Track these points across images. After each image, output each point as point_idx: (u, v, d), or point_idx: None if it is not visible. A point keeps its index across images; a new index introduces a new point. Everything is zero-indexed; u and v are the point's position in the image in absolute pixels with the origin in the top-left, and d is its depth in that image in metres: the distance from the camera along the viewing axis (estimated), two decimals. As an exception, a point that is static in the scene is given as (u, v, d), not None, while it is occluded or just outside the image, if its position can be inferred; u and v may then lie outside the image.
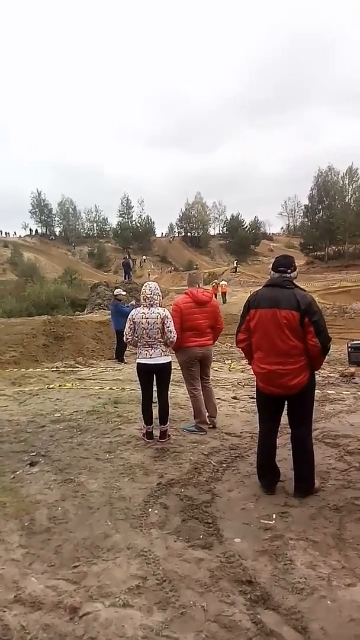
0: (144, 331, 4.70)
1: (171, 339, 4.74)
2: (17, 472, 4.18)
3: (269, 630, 2.14)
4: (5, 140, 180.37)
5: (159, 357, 4.74)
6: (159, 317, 4.69)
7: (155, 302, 4.78)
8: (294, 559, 2.71)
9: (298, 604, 2.31)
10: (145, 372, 4.84)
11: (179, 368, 5.38)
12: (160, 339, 4.72)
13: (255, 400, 3.99)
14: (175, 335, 4.77)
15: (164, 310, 4.79)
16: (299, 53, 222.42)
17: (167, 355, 4.83)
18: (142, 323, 4.71)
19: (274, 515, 3.25)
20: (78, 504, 3.55)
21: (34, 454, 4.65)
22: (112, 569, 2.67)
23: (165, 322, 4.69)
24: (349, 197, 62.44)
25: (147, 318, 4.70)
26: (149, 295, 4.80)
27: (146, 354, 4.76)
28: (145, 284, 5.02)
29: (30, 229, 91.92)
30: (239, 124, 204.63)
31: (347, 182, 63.25)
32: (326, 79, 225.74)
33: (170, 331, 4.71)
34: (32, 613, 2.31)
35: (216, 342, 5.51)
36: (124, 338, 4.99)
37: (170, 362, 4.87)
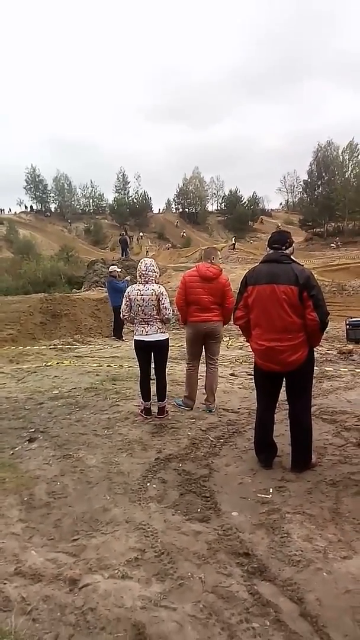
0: (140, 308, 4.68)
1: (166, 316, 4.72)
2: (16, 448, 4.20)
3: (266, 600, 2.17)
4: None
5: (154, 334, 4.73)
6: (153, 293, 4.65)
7: (151, 278, 4.74)
8: (290, 532, 2.74)
9: (294, 576, 2.35)
10: (142, 349, 4.84)
11: (177, 345, 5.36)
12: (156, 316, 4.69)
13: (252, 376, 3.99)
14: (171, 312, 4.74)
15: (159, 287, 4.74)
16: (299, 26, 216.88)
17: (164, 332, 4.81)
18: (138, 300, 4.68)
19: (271, 490, 3.29)
20: (77, 479, 3.58)
21: (33, 430, 4.67)
22: (111, 542, 2.70)
23: (160, 298, 4.66)
24: (349, 172, 61.58)
25: (142, 295, 4.67)
26: (144, 272, 4.76)
27: (142, 330, 4.75)
28: (141, 261, 4.98)
29: (26, 206, 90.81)
30: (239, 98, 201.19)
31: (347, 157, 62.29)
32: (326, 52, 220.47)
33: (166, 308, 4.68)
34: (32, 585, 2.34)
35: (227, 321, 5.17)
36: (121, 315, 4.96)
37: (166, 339, 4.85)
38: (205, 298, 4.97)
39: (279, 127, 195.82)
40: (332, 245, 49.23)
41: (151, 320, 4.71)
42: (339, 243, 49.47)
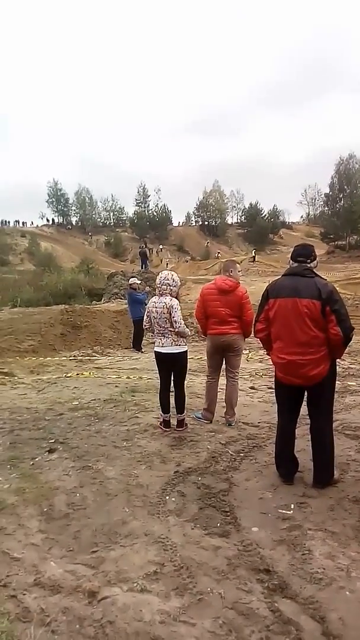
0: (155, 320, 4.73)
1: (177, 329, 4.67)
2: (36, 459, 4.23)
3: (287, 618, 2.13)
4: (21, 130, 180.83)
5: (170, 346, 4.73)
6: (165, 306, 4.67)
7: (165, 291, 4.76)
8: (312, 549, 2.69)
9: (316, 594, 2.30)
10: (160, 361, 4.86)
11: (196, 357, 5.35)
12: (170, 329, 4.69)
13: (273, 390, 3.96)
14: (181, 325, 4.67)
15: (171, 300, 4.72)
16: (323, 39, 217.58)
17: (180, 345, 4.78)
18: (153, 312, 4.74)
19: (292, 506, 3.23)
20: (96, 490, 3.58)
21: (53, 441, 4.70)
22: (129, 555, 2.69)
23: (171, 312, 4.65)
24: (371, 185, 61.18)
25: (156, 307, 4.71)
26: (158, 285, 4.82)
27: (159, 342, 4.79)
28: (159, 273, 5.03)
29: (47, 219, 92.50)
30: (259, 112, 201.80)
31: (369, 170, 61.94)
32: (348, 65, 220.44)
33: (175, 321, 4.64)
34: (52, 596, 2.34)
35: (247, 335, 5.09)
36: (143, 325, 5.01)
37: (182, 352, 4.81)
38: (223, 311, 4.96)
39: (300, 140, 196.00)
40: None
41: (166, 333, 4.73)
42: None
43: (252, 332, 3.94)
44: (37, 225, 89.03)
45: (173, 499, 3.40)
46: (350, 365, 8.53)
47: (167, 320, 4.67)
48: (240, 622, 2.13)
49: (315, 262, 3.55)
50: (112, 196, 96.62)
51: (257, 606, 2.23)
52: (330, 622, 2.11)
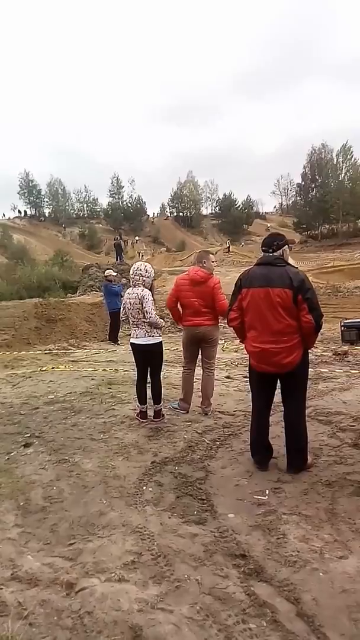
0: (129, 311, 4.74)
1: (149, 320, 4.67)
2: (12, 454, 4.19)
3: (262, 601, 2.18)
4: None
5: (143, 337, 4.74)
6: (137, 297, 4.67)
7: (138, 282, 4.75)
8: (286, 533, 2.75)
9: (291, 576, 2.36)
10: (135, 352, 4.88)
11: (172, 349, 5.36)
12: (143, 319, 4.69)
13: (248, 379, 4.00)
14: (153, 316, 4.66)
15: (142, 291, 4.71)
16: (295, 29, 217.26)
17: (154, 336, 4.78)
18: (127, 303, 4.75)
19: (267, 491, 3.29)
20: (73, 483, 3.57)
21: (28, 435, 4.66)
22: (107, 546, 2.70)
23: (143, 302, 4.65)
24: (343, 175, 61.96)
25: (130, 298, 4.72)
26: (131, 276, 4.82)
27: (134, 333, 4.82)
28: (133, 264, 5.02)
29: (19, 211, 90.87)
30: (232, 101, 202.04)
31: (341, 160, 62.70)
32: (322, 55, 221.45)
33: (147, 312, 4.64)
34: (29, 590, 2.34)
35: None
36: (121, 316, 5.01)
37: (156, 343, 4.81)
38: (196, 302, 4.97)
39: (273, 130, 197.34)
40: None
41: (140, 324, 4.73)
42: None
43: (226, 321, 3.95)
44: (9, 218, 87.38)
45: (150, 489, 3.42)
46: (322, 353, 8.68)
47: (140, 311, 4.66)
48: (217, 607, 2.17)
49: (280, 251, 3.55)
50: (86, 187, 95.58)
51: (233, 591, 2.27)
52: (304, 603, 2.17)
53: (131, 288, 4.78)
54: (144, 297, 4.65)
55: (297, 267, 3.57)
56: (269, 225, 68.89)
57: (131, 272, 4.84)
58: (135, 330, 4.78)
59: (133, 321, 4.76)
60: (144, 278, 4.76)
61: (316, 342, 3.79)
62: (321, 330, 3.51)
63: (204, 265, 5.04)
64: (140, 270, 4.79)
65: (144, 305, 4.63)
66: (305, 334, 3.41)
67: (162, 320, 4.90)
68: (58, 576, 2.42)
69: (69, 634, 2.03)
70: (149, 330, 4.73)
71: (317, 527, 2.81)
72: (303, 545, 2.62)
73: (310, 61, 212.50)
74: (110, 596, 2.24)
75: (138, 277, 4.75)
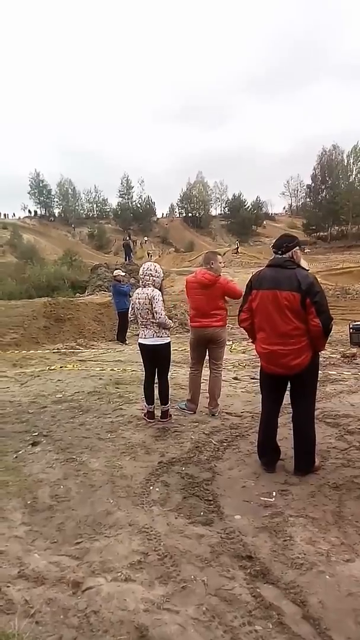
0: (138, 311, 4.74)
1: (158, 320, 4.67)
2: (20, 452, 4.22)
3: (269, 603, 2.17)
4: (0, 120, 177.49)
5: (151, 337, 4.74)
6: (146, 297, 4.67)
7: (148, 282, 4.75)
8: (293, 535, 2.74)
9: (297, 579, 2.35)
10: (143, 352, 4.88)
11: (180, 349, 5.36)
12: (152, 320, 4.69)
13: (256, 380, 4.00)
14: (162, 317, 4.67)
15: (153, 291, 4.71)
16: (310, 26, 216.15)
17: (162, 337, 4.78)
18: (136, 303, 4.75)
19: (274, 493, 3.28)
20: (80, 482, 3.59)
21: (36, 434, 4.69)
22: (114, 545, 2.71)
23: (153, 302, 4.65)
24: (354, 176, 61.63)
25: (139, 298, 4.71)
26: (141, 276, 4.82)
27: (142, 333, 4.81)
28: (142, 265, 5.02)
29: (30, 211, 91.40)
30: (243, 102, 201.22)
31: (351, 161, 62.38)
32: (333, 56, 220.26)
33: (157, 312, 4.64)
34: (36, 588, 2.35)
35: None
36: (129, 316, 5.02)
37: (165, 343, 4.81)
38: (203, 304, 4.98)
39: (283, 131, 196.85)
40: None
41: (148, 324, 4.73)
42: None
43: (238, 322, 3.94)
44: (19, 217, 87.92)
45: (157, 489, 3.42)
46: (331, 355, 8.63)
47: (149, 312, 4.66)
48: (223, 608, 2.16)
49: (289, 253, 3.51)
50: (95, 187, 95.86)
51: (239, 592, 2.26)
52: (310, 605, 2.16)
53: (140, 288, 4.79)
54: (153, 298, 4.66)
55: (308, 269, 3.54)
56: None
57: (141, 272, 4.85)
58: (143, 330, 4.79)
59: (142, 321, 4.76)
60: (154, 278, 4.77)
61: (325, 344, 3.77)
62: (330, 332, 3.49)
63: (212, 266, 5.02)
64: (151, 270, 4.80)
65: (153, 306, 4.64)
66: (313, 337, 3.39)
67: (170, 321, 4.90)
68: (64, 575, 2.43)
69: (75, 632, 2.04)
70: (157, 331, 4.73)
71: (324, 529, 2.80)
72: (310, 547, 2.61)
73: (321, 62, 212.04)
74: (116, 596, 2.24)
75: (148, 277, 4.76)
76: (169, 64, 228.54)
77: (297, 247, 3.58)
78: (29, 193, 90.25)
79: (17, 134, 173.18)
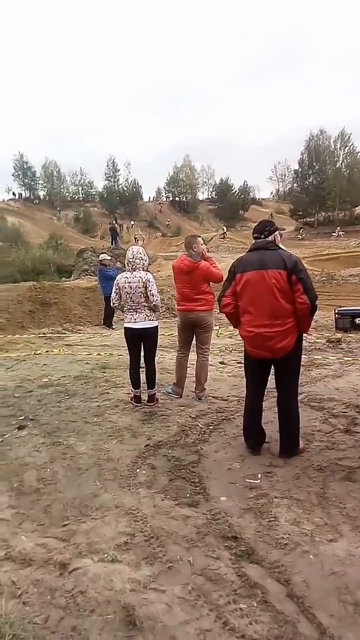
0: (128, 295, 4.69)
1: (154, 303, 4.71)
2: (5, 436, 4.20)
3: (253, 582, 2.21)
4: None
5: (142, 321, 4.73)
6: (140, 280, 4.65)
7: (138, 266, 4.73)
8: (278, 516, 2.78)
9: (281, 558, 2.39)
10: (131, 336, 4.85)
11: (167, 334, 5.36)
12: (144, 303, 4.69)
13: (242, 365, 4.02)
14: (158, 299, 4.74)
15: (147, 274, 4.72)
16: (297, 12, 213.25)
17: (152, 320, 4.80)
18: (125, 287, 4.70)
19: (260, 475, 3.32)
20: (67, 465, 3.59)
21: (22, 418, 4.67)
22: (100, 527, 2.72)
23: (148, 285, 4.65)
24: (340, 162, 61.56)
25: (130, 282, 4.68)
26: (131, 260, 4.76)
27: (131, 318, 4.77)
28: (129, 248, 4.98)
29: (14, 193, 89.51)
30: (232, 87, 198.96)
31: (338, 146, 62.24)
32: (323, 42, 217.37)
33: (153, 295, 4.67)
34: (23, 569, 2.36)
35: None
36: (111, 302, 4.98)
37: (155, 327, 4.84)
38: (186, 289, 5.00)
39: (272, 116, 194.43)
40: (333, 234, 48.23)
41: (139, 308, 4.71)
42: (340, 233, 48.19)
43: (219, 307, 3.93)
44: (3, 200, 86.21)
45: (144, 471, 3.45)
46: (316, 340, 8.73)
47: (142, 295, 4.65)
48: (209, 587, 2.20)
49: (271, 237, 3.60)
50: (81, 170, 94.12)
51: (225, 572, 2.30)
52: (294, 584, 2.20)
53: (129, 272, 4.74)
54: (148, 281, 4.66)
55: (289, 252, 3.60)
56: (272, 213, 68.46)
57: (130, 255, 4.80)
58: (132, 314, 4.76)
59: (132, 305, 4.73)
60: (144, 262, 4.77)
61: (310, 329, 3.81)
62: (315, 315, 3.52)
63: (194, 250, 4.99)
64: (140, 253, 4.79)
65: (149, 288, 4.63)
66: (300, 315, 3.42)
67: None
68: (52, 556, 2.44)
69: (62, 612, 2.06)
70: (148, 314, 4.74)
71: (308, 510, 2.85)
72: (294, 528, 2.66)
73: (311, 47, 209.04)
74: (103, 576, 2.26)
75: (138, 261, 4.74)
76: (158, 49, 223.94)
77: (277, 232, 3.67)
78: (13, 175, 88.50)
79: (1, 116, 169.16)
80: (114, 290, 4.83)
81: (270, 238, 3.59)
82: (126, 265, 4.82)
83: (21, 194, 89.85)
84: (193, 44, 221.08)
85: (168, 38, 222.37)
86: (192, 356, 5.33)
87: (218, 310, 5.08)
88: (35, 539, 2.65)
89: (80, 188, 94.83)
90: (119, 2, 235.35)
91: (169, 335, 8.96)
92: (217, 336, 9.69)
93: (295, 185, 70.79)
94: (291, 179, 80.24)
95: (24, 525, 2.81)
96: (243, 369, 4.00)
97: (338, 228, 48.41)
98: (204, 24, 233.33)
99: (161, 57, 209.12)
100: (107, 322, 12.20)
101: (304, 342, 3.74)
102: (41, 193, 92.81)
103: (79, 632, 1.95)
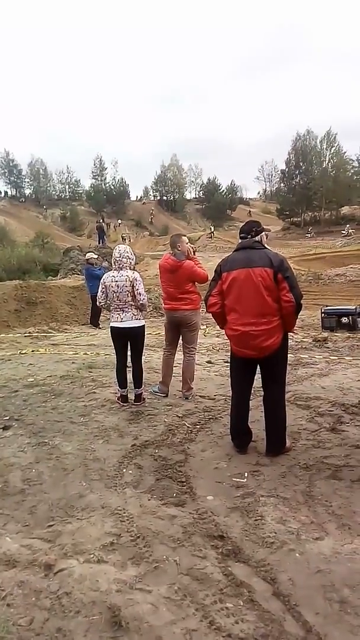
0: (114, 294, 4.67)
1: (141, 302, 4.70)
2: (-10, 436, 4.15)
3: (240, 581, 2.21)
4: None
5: (129, 320, 4.71)
6: (127, 279, 4.63)
7: (125, 264, 4.71)
8: (264, 515, 2.79)
9: (268, 557, 2.40)
10: (118, 336, 4.83)
11: (154, 333, 5.35)
12: (131, 302, 4.67)
13: (229, 364, 4.02)
14: (145, 298, 4.74)
15: (133, 273, 4.71)
16: (287, 11, 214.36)
17: (139, 319, 4.79)
18: (112, 286, 4.67)
19: (246, 474, 3.33)
20: (52, 465, 3.56)
21: (7, 418, 4.62)
22: (86, 527, 2.70)
23: (135, 284, 4.64)
24: (327, 162, 61.94)
25: (117, 281, 4.65)
26: (117, 258, 4.74)
27: (117, 317, 4.75)
28: (115, 247, 4.96)
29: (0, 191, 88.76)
30: (219, 85, 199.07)
31: (324, 146, 62.62)
32: (312, 43, 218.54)
33: (140, 293, 4.66)
34: (7, 571, 2.33)
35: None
36: (97, 302, 4.96)
37: (142, 326, 4.83)
38: (171, 288, 4.99)
39: (260, 116, 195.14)
40: (307, 235, 49.21)
41: (126, 307, 4.69)
42: (312, 233, 49.36)
43: (206, 307, 3.93)
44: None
45: (130, 471, 3.43)
46: (303, 339, 8.77)
47: (129, 294, 4.63)
48: (195, 586, 2.19)
49: (258, 237, 3.62)
50: (68, 168, 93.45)
51: (211, 571, 2.30)
52: (280, 582, 2.21)
53: (115, 271, 4.72)
54: (136, 280, 4.65)
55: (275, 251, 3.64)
56: (250, 210, 68.74)
57: (117, 254, 4.77)
58: (119, 314, 4.73)
59: (118, 304, 4.70)
60: (131, 261, 4.77)
61: (296, 328, 3.83)
62: (301, 314, 3.54)
63: (179, 249, 4.98)
64: (128, 252, 4.78)
65: (136, 287, 4.62)
66: (285, 314, 3.44)
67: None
68: (37, 557, 2.42)
69: (47, 614, 2.03)
70: (135, 314, 4.72)
71: (294, 509, 2.86)
72: (280, 526, 2.67)
73: (300, 48, 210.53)
74: (88, 577, 2.24)
75: (125, 260, 4.72)
76: (146, 49, 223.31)
77: (263, 232, 3.70)
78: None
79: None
80: (100, 289, 4.80)
81: (257, 238, 3.61)
82: (113, 264, 4.79)
83: (7, 192, 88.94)
84: (180, 45, 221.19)
85: (156, 38, 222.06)
86: (179, 355, 5.32)
87: (205, 310, 5.10)
88: (20, 540, 2.62)
89: (67, 186, 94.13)
90: (114, 3, 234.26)
91: (156, 334, 8.94)
92: (204, 335, 9.70)
93: (282, 185, 71.04)
94: (278, 179, 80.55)
95: (9, 527, 2.77)
96: (229, 368, 4.00)
97: (347, 226, 47.53)
98: (194, 25, 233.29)
99: (147, 57, 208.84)
100: (94, 322, 12.13)
101: (290, 341, 3.75)
102: (27, 191, 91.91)
103: (64, 633, 1.93)
